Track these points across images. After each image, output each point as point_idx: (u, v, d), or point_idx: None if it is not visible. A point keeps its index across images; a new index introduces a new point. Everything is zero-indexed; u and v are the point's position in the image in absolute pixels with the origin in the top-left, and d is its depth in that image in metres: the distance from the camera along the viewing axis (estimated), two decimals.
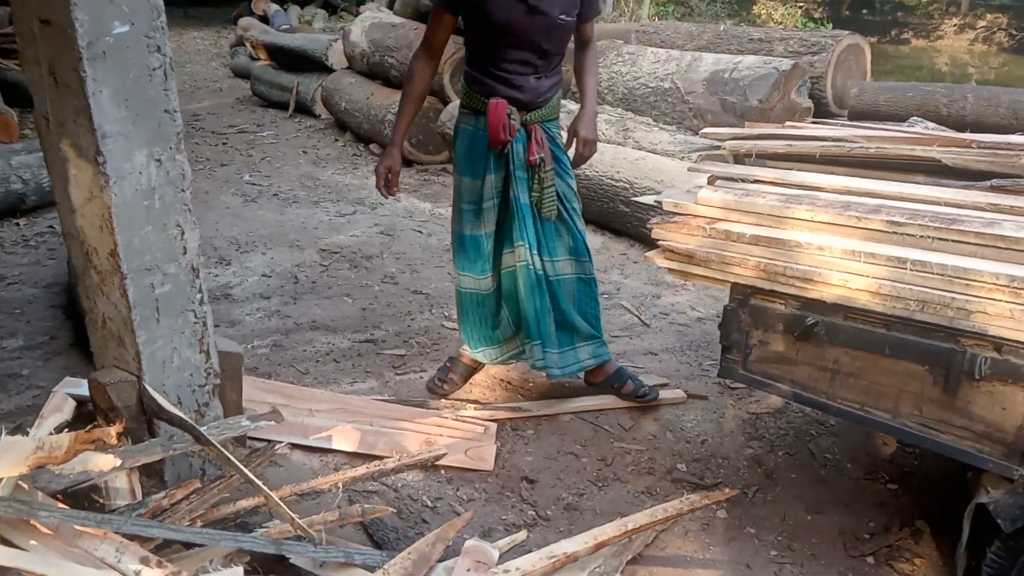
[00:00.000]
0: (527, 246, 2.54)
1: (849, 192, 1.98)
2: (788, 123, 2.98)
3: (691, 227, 1.99)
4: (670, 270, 2.07)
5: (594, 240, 4.50)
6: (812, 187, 2.03)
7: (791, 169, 2.56)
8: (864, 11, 28.62)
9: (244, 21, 11.06)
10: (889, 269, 1.73)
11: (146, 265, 1.76)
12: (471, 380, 2.92)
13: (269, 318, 3.35)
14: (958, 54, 27.09)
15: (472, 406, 2.72)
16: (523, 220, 2.53)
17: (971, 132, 2.72)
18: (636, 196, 4.22)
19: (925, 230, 1.75)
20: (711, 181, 2.18)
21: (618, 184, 4.37)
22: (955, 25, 28.84)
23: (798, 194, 1.98)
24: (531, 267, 2.56)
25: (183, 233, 1.82)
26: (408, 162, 5.56)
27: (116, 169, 1.64)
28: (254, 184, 5.37)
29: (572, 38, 2.61)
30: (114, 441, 1.42)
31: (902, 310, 1.73)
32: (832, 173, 2.55)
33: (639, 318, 3.55)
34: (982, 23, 28.41)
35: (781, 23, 27.17)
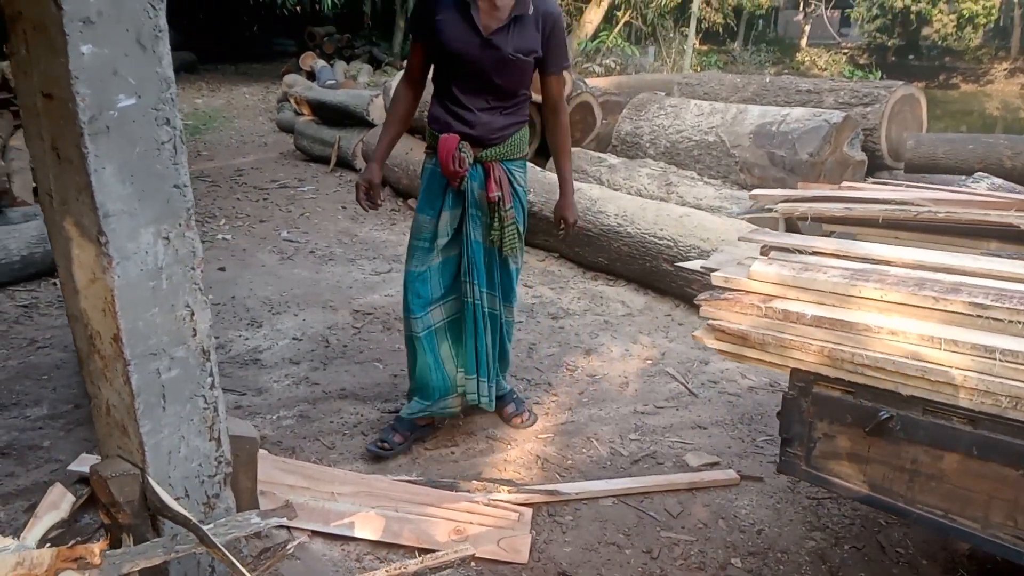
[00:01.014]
0: (476, 284, 2.61)
1: (922, 267, 1.78)
2: (845, 183, 2.79)
3: (744, 305, 1.81)
4: (721, 352, 1.87)
5: (637, 300, 4.32)
6: (879, 260, 1.83)
7: (852, 235, 2.37)
8: (911, 56, 28.30)
9: (289, 78, 11.29)
10: (975, 359, 1.52)
11: (151, 350, 1.64)
12: (506, 458, 2.74)
13: (297, 385, 3.23)
14: (1009, 98, 26.52)
15: (505, 488, 2.53)
16: (473, 258, 2.60)
17: None
18: (680, 255, 4.04)
19: (1015, 314, 1.54)
20: (765, 252, 1.99)
21: (661, 242, 4.19)
22: (1005, 69, 28.31)
23: (864, 268, 1.79)
24: (479, 304, 2.63)
25: (193, 314, 1.70)
26: None
27: (120, 249, 1.52)
28: (291, 241, 5.33)
29: (542, 92, 2.65)
30: (97, 561, 1.27)
31: (992, 406, 1.51)
32: (897, 239, 2.34)
33: (686, 386, 3.33)
34: None
35: (825, 69, 26.99)
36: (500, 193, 2.52)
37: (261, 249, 5.11)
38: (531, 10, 2.42)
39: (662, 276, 4.25)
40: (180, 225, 1.64)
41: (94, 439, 2.76)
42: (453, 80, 2.49)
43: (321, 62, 13.43)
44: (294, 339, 3.68)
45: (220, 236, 5.33)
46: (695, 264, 2.61)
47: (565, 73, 2.66)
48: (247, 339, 3.64)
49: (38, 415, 2.94)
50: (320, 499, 2.30)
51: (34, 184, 4.72)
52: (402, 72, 2.66)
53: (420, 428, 2.80)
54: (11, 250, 4.16)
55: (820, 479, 1.78)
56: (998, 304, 1.56)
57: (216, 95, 13.66)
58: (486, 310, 2.65)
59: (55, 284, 4.30)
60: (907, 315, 1.65)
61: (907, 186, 2.60)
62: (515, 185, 2.63)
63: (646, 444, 2.88)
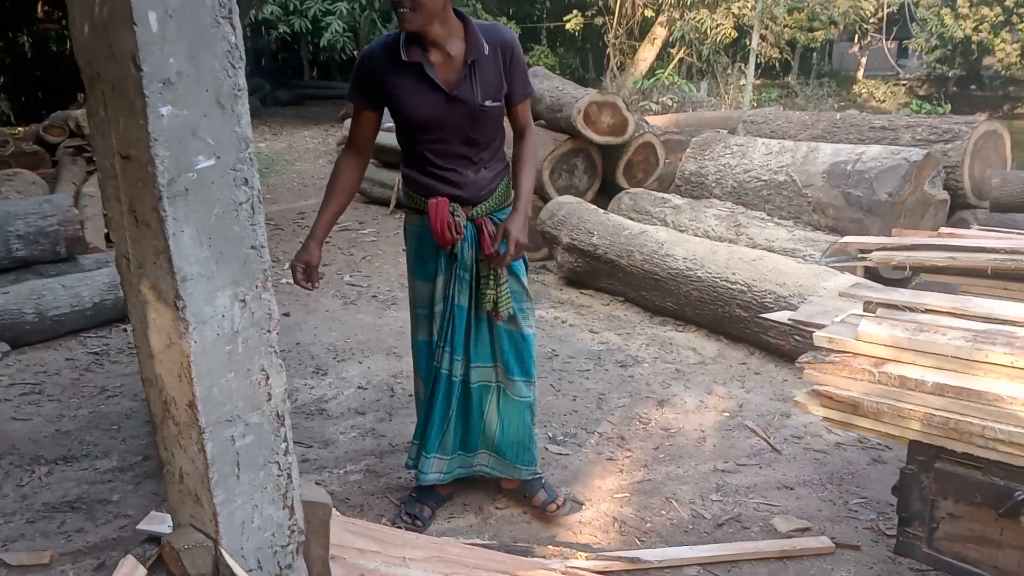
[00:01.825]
0: (450, 352, 2.41)
1: None
2: (944, 229, 2.62)
3: (853, 369, 1.66)
4: (828, 420, 1.72)
5: (709, 347, 4.15)
6: (1003, 320, 1.66)
7: (953, 286, 2.20)
8: (972, 86, 27.55)
9: (348, 122, 11.47)
10: None
11: (226, 416, 1.58)
12: (580, 519, 2.61)
13: (364, 437, 3.15)
14: None
15: (583, 555, 2.38)
16: (452, 322, 2.39)
17: None
18: (755, 301, 3.87)
19: None
20: (869, 308, 1.84)
21: (734, 287, 4.03)
22: None
23: (988, 329, 1.62)
24: (449, 375, 2.43)
25: (268, 378, 1.63)
26: None
27: (196, 314, 1.47)
28: (354, 285, 5.32)
29: (510, 120, 2.43)
30: None
31: None
32: (1007, 291, 2.16)
33: (768, 442, 3.15)
34: None
35: (884, 101, 26.41)
36: (497, 248, 2.31)
37: (324, 294, 5.11)
38: (486, 49, 2.20)
39: (735, 322, 4.08)
40: (257, 287, 1.58)
41: (163, 493, 2.73)
42: (425, 145, 2.28)
43: None
44: (359, 388, 3.62)
45: (284, 280, 5.35)
46: (782, 315, 2.47)
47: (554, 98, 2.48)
48: (312, 388, 3.60)
49: (107, 467, 2.93)
50: (391, 564, 2.20)
51: (106, 230, 4.83)
52: (348, 141, 2.39)
53: (444, 497, 2.65)
54: (83, 297, 4.22)
55: (944, 563, 1.61)
56: None
57: (278, 138, 14.02)
58: (455, 379, 2.44)
59: (126, 330, 4.35)
60: None
61: (1015, 233, 2.42)
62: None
63: (729, 506, 2.71)
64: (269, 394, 1.65)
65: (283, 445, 1.71)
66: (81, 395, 3.52)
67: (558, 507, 2.59)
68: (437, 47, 2.18)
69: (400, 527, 2.50)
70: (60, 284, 4.18)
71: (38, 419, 3.29)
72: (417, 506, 2.57)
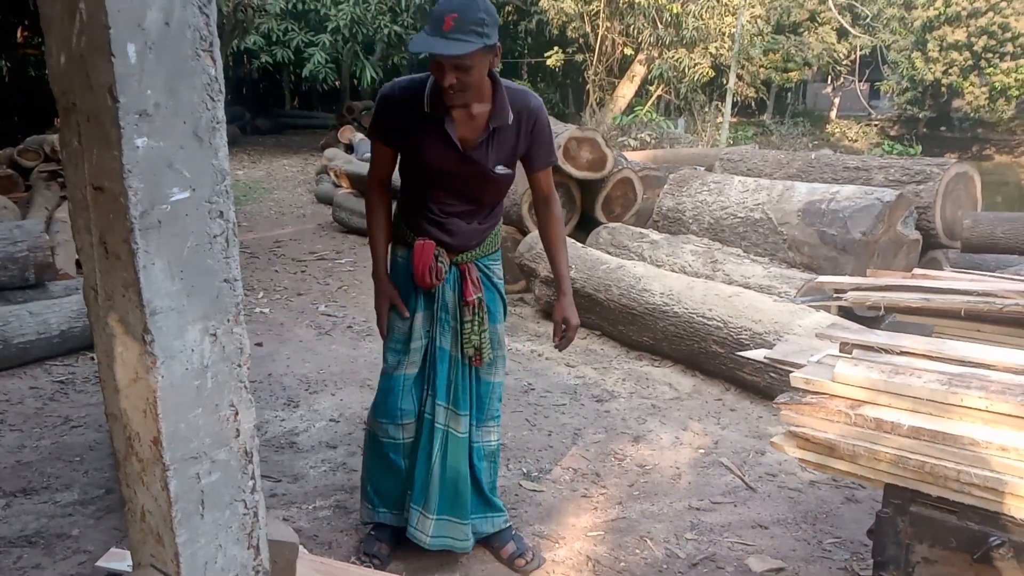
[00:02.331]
0: (434, 397, 2.36)
1: None
2: (917, 270, 2.66)
3: (829, 411, 1.66)
4: (804, 461, 1.72)
5: (685, 383, 4.15)
6: (978, 363, 1.68)
7: (928, 327, 2.22)
8: (942, 128, 28.27)
9: (329, 152, 11.49)
10: None
11: (192, 453, 1.53)
12: (554, 558, 2.57)
13: (334, 472, 3.10)
14: None
15: None
16: (435, 368, 2.35)
17: None
18: (731, 337, 3.89)
19: None
20: (845, 349, 1.85)
21: (711, 323, 4.05)
22: None
23: (963, 373, 1.64)
24: (435, 422, 2.37)
25: (237, 414, 1.59)
26: None
27: (165, 348, 1.43)
28: (329, 315, 5.27)
29: (531, 187, 2.43)
30: None
31: None
32: (979, 332, 2.19)
33: (743, 479, 3.14)
34: None
35: (856, 140, 26.95)
36: (480, 295, 2.31)
37: (299, 323, 5.05)
38: (511, 119, 2.18)
39: (711, 358, 4.09)
40: (228, 321, 1.55)
41: (124, 528, 2.65)
42: (429, 192, 2.27)
43: (359, 135, 13.69)
44: (331, 420, 3.56)
45: (258, 310, 5.30)
46: (758, 353, 2.47)
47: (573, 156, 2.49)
48: (283, 420, 3.53)
49: (68, 500, 2.84)
50: None
51: (76, 257, 4.74)
52: (369, 178, 2.36)
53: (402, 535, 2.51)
54: (51, 324, 4.14)
55: None
56: None
57: (257, 166, 13.97)
58: (445, 430, 2.37)
59: (93, 359, 4.25)
60: (1017, 428, 1.49)
61: (987, 275, 2.45)
62: (494, 280, 2.42)
63: (704, 545, 2.69)
64: (237, 430, 1.61)
65: (250, 483, 1.66)
66: (44, 425, 3.43)
67: (526, 562, 2.49)
68: (464, 106, 2.16)
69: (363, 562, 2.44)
70: (27, 311, 4.10)
71: None
72: (376, 544, 2.49)
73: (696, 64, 14.79)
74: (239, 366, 1.61)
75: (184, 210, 1.44)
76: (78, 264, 5.20)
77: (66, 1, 1.41)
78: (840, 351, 1.86)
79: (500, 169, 2.23)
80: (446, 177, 2.22)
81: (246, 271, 6.40)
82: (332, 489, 2.96)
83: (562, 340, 2.43)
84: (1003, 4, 23.81)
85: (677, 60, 14.78)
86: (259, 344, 4.55)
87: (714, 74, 15.81)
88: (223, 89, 1.51)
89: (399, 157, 2.31)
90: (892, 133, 28.30)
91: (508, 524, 2.57)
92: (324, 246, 7.62)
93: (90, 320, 1.59)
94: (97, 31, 1.35)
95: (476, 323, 2.32)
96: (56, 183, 7.89)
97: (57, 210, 6.84)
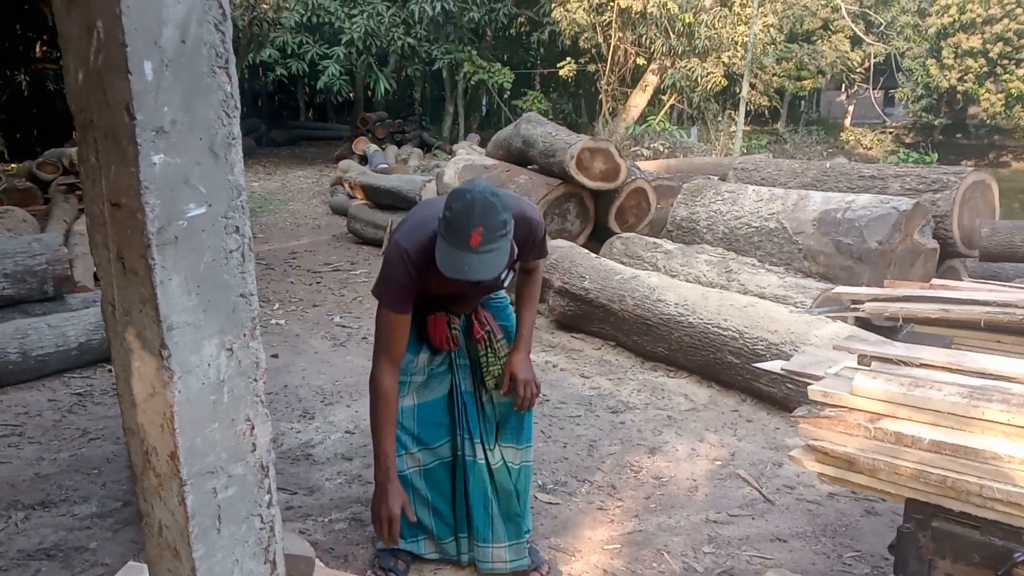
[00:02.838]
0: (469, 438, 2.38)
1: None
2: (936, 280, 2.63)
3: (848, 424, 1.64)
4: (823, 476, 1.70)
5: (701, 394, 4.13)
6: (999, 376, 1.65)
7: (955, 341, 2.19)
8: (958, 135, 28.09)
9: (344, 163, 11.57)
10: None
11: (209, 468, 1.53)
12: (570, 572, 2.55)
13: (350, 484, 3.09)
14: None
15: None
16: (466, 411, 2.39)
17: None
18: (747, 347, 3.86)
19: None
20: (864, 362, 1.83)
21: (726, 333, 4.02)
22: None
23: (983, 385, 1.61)
24: (472, 459, 2.39)
25: (253, 428, 1.60)
26: None
27: (182, 363, 1.44)
28: (344, 326, 5.29)
29: (520, 265, 2.39)
30: None
31: None
32: (999, 343, 2.16)
33: (760, 492, 3.11)
34: None
35: (871, 148, 26.80)
36: (489, 328, 2.36)
37: (314, 335, 5.07)
38: (516, 253, 2.18)
39: (727, 368, 4.07)
40: (244, 335, 1.56)
41: (142, 541, 2.66)
42: (433, 301, 2.28)
43: (373, 146, 13.80)
44: (347, 432, 3.57)
45: (274, 321, 5.32)
46: (775, 365, 2.46)
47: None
48: (299, 432, 3.54)
49: (87, 512, 2.86)
50: None
51: (94, 269, 4.79)
52: (381, 355, 2.20)
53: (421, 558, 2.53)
54: (69, 337, 4.17)
55: None
56: None
57: (272, 178, 14.08)
58: (487, 464, 2.40)
59: (110, 371, 4.28)
60: None
61: (1007, 285, 2.43)
62: (504, 304, 2.47)
63: (722, 559, 2.66)
64: (254, 445, 1.62)
65: (267, 497, 1.66)
66: (62, 437, 3.45)
67: (543, 575, 2.49)
68: None
69: None
70: (46, 323, 4.13)
71: (17, 462, 3.22)
72: (392, 560, 2.50)
73: (709, 73, 14.77)
74: (255, 380, 1.61)
75: (200, 226, 1.44)
76: (96, 277, 5.24)
77: (83, 19, 1.43)
78: (858, 363, 1.84)
79: (504, 275, 2.21)
80: (456, 297, 2.29)
81: (261, 283, 6.44)
82: (348, 501, 2.96)
83: (522, 400, 2.34)
84: (1018, 11, 23.67)
85: (690, 69, 14.77)
86: (275, 356, 4.56)
87: (727, 83, 15.78)
88: (239, 105, 1.52)
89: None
90: (907, 140, 28.15)
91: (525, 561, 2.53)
92: (339, 257, 7.66)
93: (108, 335, 1.60)
94: (114, 49, 1.37)
95: (490, 354, 2.37)
96: (74, 196, 7.98)
97: (75, 223, 6.92)
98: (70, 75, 1.50)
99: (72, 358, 4.18)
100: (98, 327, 4.26)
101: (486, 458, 2.41)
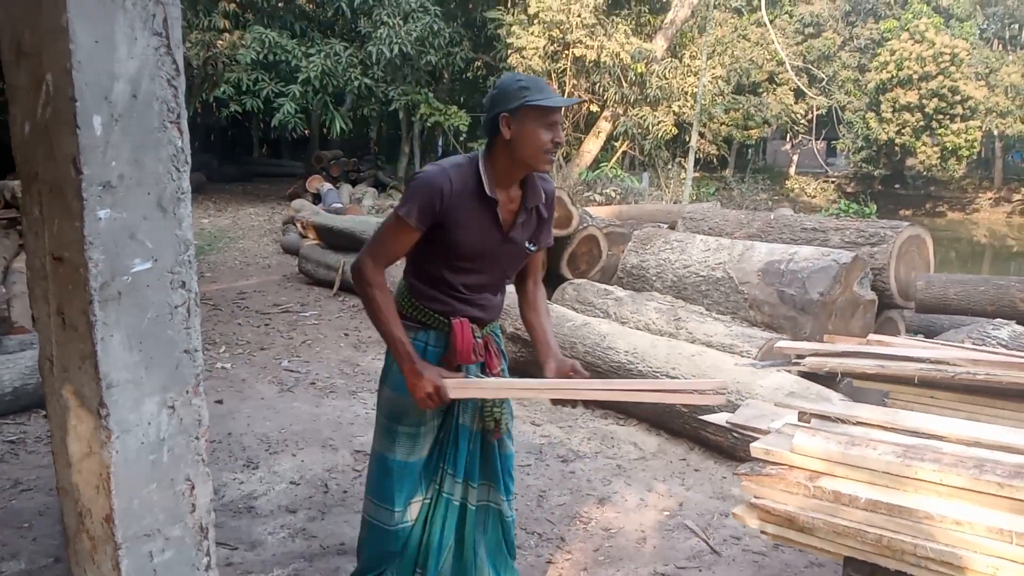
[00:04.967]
0: (453, 475, 2.28)
1: (979, 444, 1.66)
2: (873, 336, 2.72)
3: (789, 483, 1.67)
4: (765, 533, 1.73)
5: (650, 442, 4.15)
6: (931, 435, 1.71)
7: (891, 394, 2.26)
8: (897, 185, 29.27)
9: (297, 203, 11.48)
10: None
11: (145, 530, 1.49)
12: None
13: (293, 539, 3.02)
14: (996, 226, 27.29)
15: None
16: (457, 445, 2.27)
17: None
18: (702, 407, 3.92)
19: None
20: (804, 418, 1.88)
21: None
22: (990, 198, 29.28)
23: (917, 444, 1.67)
24: (451, 498, 2.28)
25: (193, 488, 1.56)
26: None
27: (120, 422, 1.41)
28: (292, 371, 5.20)
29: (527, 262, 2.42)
30: None
31: None
32: (933, 398, 2.24)
33: (708, 543, 3.12)
34: (1017, 196, 28.83)
35: (815, 196, 27.68)
36: (504, 366, 2.31)
37: (261, 379, 4.97)
38: (544, 197, 2.24)
39: (675, 417, 4.11)
40: (187, 392, 1.53)
41: None
42: (459, 274, 2.20)
43: (327, 185, 13.74)
44: (291, 483, 3.49)
45: (219, 365, 5.21)
46: (720, 418, 2.50)
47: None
48: (242, 483, 3.45)
49: (15, 570, 2.73)
50: None
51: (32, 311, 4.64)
52: (368, 254, 2.16)
53: None
54: (3, 381, 4.02)
55: None
56: None
57: (222, 215, 13.89)
58: (467, 504, 2.30)
59: (46, 416, 4.13)
60: (970, 501, 1.52)
61: (942, 344, 2.52)
62: (502, 347, 2.42)
63: None
64: (193, 505, 1.58)
65: (204, 560, 1.62)
66: None
67: None
68: (506, 188, 2.17)
69: None
70: None
71: None
72: None
73: (660, 122, 15.16)
74: (196, 438, 1.58)
75: (145, 281, 1.43)
76: (35, 317, 5.09)
77: (33, 72, 1.42)
78: (799, 420, 1.88)
79: (529, 246, 2.25)
80: (483, 258, 2.20)
81: (208, 324, 6.31)
82: (291, 557, 2.89)
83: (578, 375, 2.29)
84: (952, 68, 24.95)
85: (641, 117, 15.14)
86: (219, 401, 4.46)
87: (677, 131, 16.21)
88: (189, 160, 1.52)
89: (419, 241, 2.20)
90: (849, 190, 29.23)
91: None
92: (289, 298, 7.56)
93: (44, 391, 1.55)
94: (63, 103, 1.36)
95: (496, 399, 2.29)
96: (15, 231, 7.73)
97: (15, 260, 6.70)
98: (16, 126, 1.48)
99: (6, 403, 4.02)
100: (34, 371, 4.11)
101: (462, 495, 2.30)
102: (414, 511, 2.30)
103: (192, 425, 1.55)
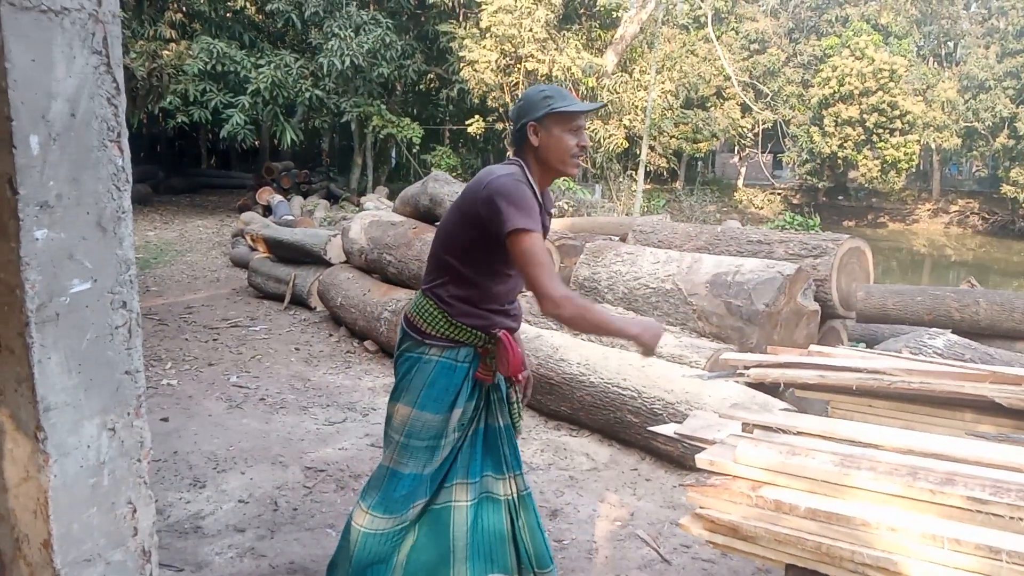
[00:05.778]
0: (468, 481, 2.32)
1: (912, 452, 1.72)
2: (813, 347, 2.79)
3: (733, 492, 1.71)
4: (711, 543, 1.76)
5: (602, 453, 4.19)
6: (868, 444, 1.77)
7: (832, 404, 2.33)
8: (840, 197, 30.15)
9: (246, 216, 11.32)
10: (980, 559, 1.44)
11: (85, 555, 1.46)
12: None
13: (241, 558, 2.97)
14: (935, 236, 28.31)
15: None
16: (478, 444, 2.31)
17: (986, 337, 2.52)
18: (645, 406, 3.97)
19: (1015, 510, 1.48)
20: (747, 429, 1.92)
21: (625, 392, 4.13)
22: (929, 209, 30.37)
23: (854, 453, 1.72)
24: (468, 503, 2.32)
25: (135, 511, 1.53)
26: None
27: (59, 445, 1.38)
28: (241, 387, 5.11)
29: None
30: None
31: None
32: (871, 407, 2.31)
33: (658, 552, 3.17)
34: (955, 207, 29.96)
35: (762, 208, 28.29)
36: (528, 372, 2.35)
37: (208, 396, 4.88)
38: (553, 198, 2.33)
39: (627, 427, 4.16)
40: (129, 414, 1.50)
41: None
42: (500, 281, 2.22)
43: (278, 197, 13.57)
44: (240, 501, 3.43)
45: (165, 382, 5.10)
46: (668, 428, 2.54)
47: None
48: (188, 503, 3.38)
49: None
50: None
51: None
52: (551, 278, 2.07)
53: None
54: None
55: None
56: (996, 499, 1.50)
57: (169, 227, 13.60)
58: (474, 506, 2.32)
59: None
60: (905, 507, 1.58)
61: (880, 354, 2.61)
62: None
63: None
64: (135, 528, 1.54)
65: None
66: None
67: None
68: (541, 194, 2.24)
69: None
70: None
71: None
72: None
73: (611, 135, 15.37)
74: (139, 461, 1.55)
75: (85, 301, 1.40)
76: None
77: None
78: (742, 431, 1.93)
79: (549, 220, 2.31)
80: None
81: (153, 339, 6.17)
82: None
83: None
84: (891, 84, 25.85)
85: (593, 131, 15.32)
86: (165, 419, 4.36)
87: (628, 144, 16.44)
88: (130, 179, 1.50)
89: (469, 249, 2.19)
90: (795, 201, 30.00)
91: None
92: (238, 312, 7.44)
93: None
94: None
95: (520, 398, 2.37)
96: None
97: None
98: None
99: None
100: None
101: (488, 487, 2.33)
102: (415, 512, 2.32)
103: (134, 447, 1.52)
